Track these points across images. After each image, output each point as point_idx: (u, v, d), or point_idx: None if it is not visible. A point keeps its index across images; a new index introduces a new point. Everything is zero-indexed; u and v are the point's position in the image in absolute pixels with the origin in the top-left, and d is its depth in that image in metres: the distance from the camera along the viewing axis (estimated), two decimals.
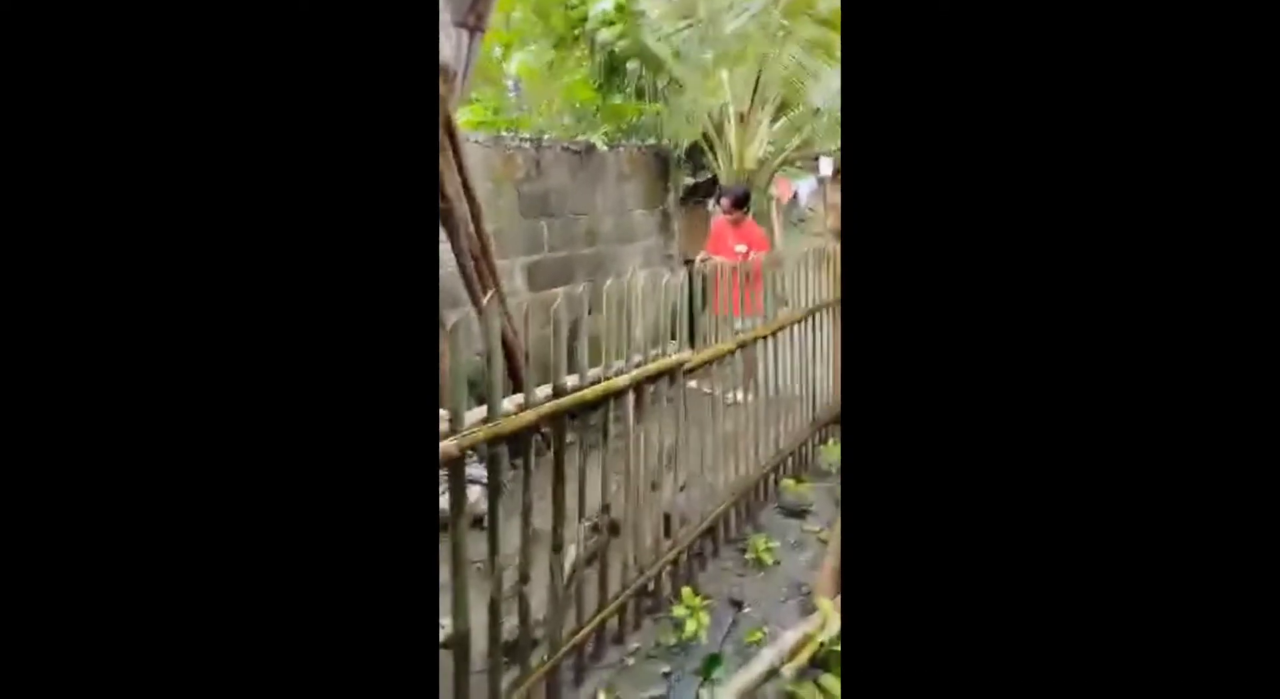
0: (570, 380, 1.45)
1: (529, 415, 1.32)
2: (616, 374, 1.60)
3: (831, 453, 2.93)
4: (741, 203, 3.66)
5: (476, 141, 3.08)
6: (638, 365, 1.69)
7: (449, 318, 2.89)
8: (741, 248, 3.53)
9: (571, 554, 1.55)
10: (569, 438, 1.48)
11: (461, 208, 2.52)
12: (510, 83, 5.82)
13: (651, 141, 4.83)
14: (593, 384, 1.51)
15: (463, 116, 4.36)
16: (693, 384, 2.11)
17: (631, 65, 5.37)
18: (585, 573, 1.59)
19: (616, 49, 5.27)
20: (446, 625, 1.80)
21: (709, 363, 2.10)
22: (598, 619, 1.60)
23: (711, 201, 3.77)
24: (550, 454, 1.46)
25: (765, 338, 2.49)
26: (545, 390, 1.40)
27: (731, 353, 2.24)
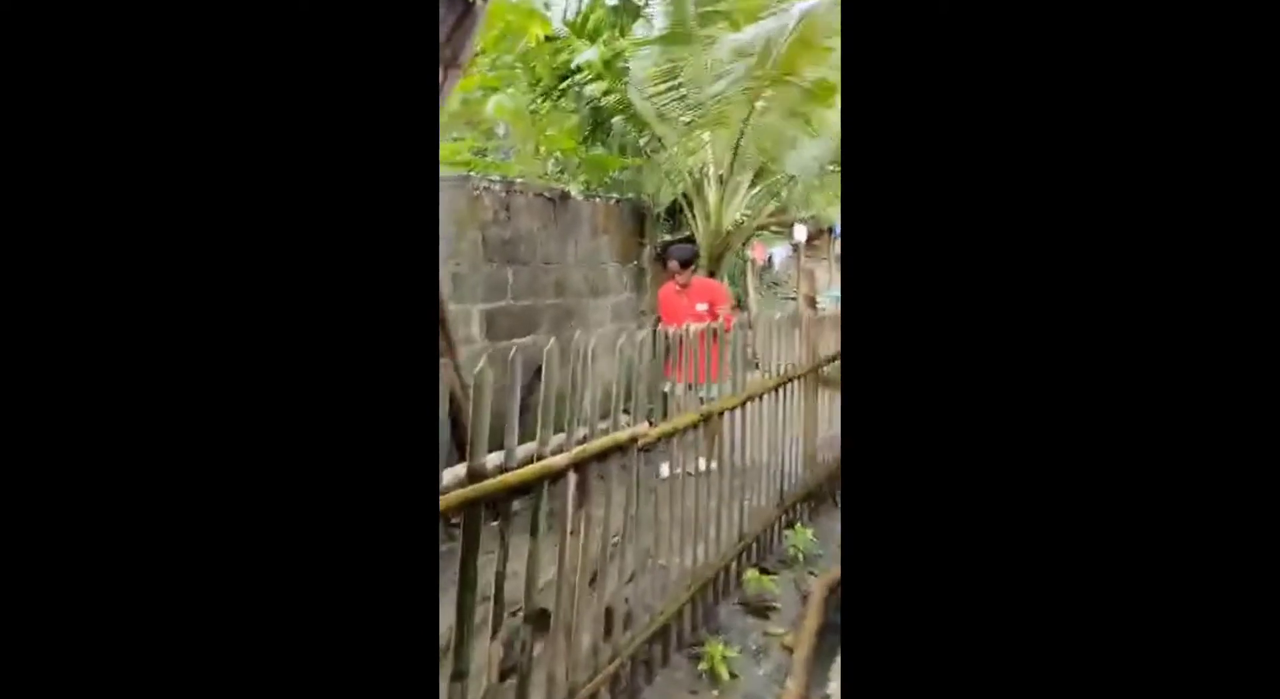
0: (492, 459, 1.20)
1: None
2: (555, 452, 1.35)
3: (799, 537, 2.67)
4: (689, 261, 3.49)
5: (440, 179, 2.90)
6: (581, 441, 1.44)
7: None
8: (703, 306, 3.29)
9: (482, 684, 1.24)
10: (493, 523, 1.22)
11: None
12: (500, 128, 5.78)
13: (630, 196, 4.75)
14: (525, 463, 1.26)
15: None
16: (663, 469, 1.87)
17: (617, 121, 5.38)
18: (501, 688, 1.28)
19: (602, 103, 5.28)
20: None
21: (669, 436, 1.86)
22: None
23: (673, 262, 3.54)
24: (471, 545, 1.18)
25: (733, 409, 2.28)
26: (459, 472, 1.14)
27: (695, 426, 2.01)
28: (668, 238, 7.50)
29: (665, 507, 1.90)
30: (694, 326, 2.25)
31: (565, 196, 3.69)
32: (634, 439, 1.63)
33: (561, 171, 5.50)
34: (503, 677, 1.35)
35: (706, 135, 5.62)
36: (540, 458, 1.31)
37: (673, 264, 3.50)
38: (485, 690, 1.24)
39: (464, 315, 3.03)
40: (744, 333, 2.45)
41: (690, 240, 7.06)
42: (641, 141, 5.47)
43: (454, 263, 2.96)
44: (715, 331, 2.28)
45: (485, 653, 1.24)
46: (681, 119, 5.51)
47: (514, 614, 1.52)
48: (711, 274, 5.86)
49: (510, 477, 1.20)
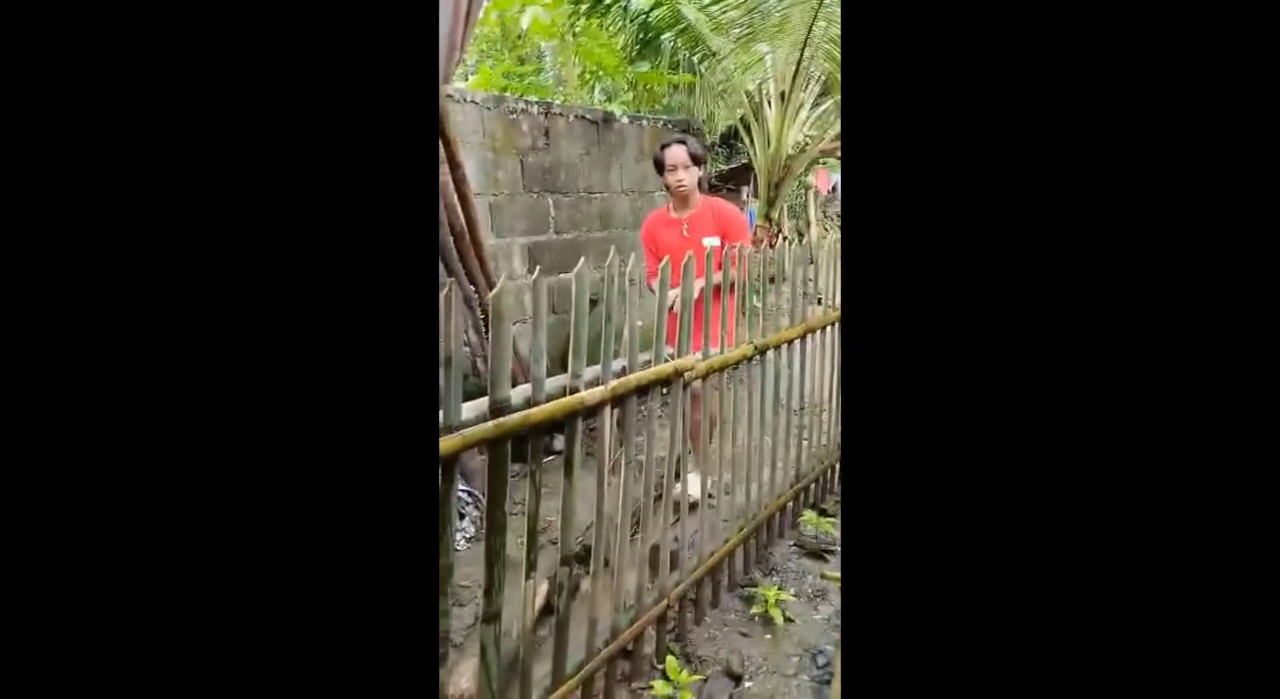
0: (519, 393, 1.08)
1: (451, 441, 0.96)
2: (589, 385, 1.23)
3: None
4: (697, 157, 2.18)
5: (473, 101, 2.72)
6: (620, 374, 1.31)
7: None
8: (713, 241, 2.10)
9: (514, 630, 1.19)
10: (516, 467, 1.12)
11: (440, 174, 2.16)
12: (546, 55, 5.47)
13: (681, 117, 4.42)
14: (551, 399, 1.14)
15: (471, 82, 4.02)
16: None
17: (666, 37, 4.98)
18: (538, 635, 1.24)
19: (650, 19, 4.87)
20: None
21: (718, 371, 1.70)
22: (555, 696, 1.24)
23: (676, 169, 2.20)
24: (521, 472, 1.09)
25: (792, 341, 2.09)
26: (481, 405, 1.03)
27: (749, 359, 1.85)
28: (723, 167, 7.05)
29: (715, 444, 1.77)
30: (695, 273, 1.60)
31: (609, 119, 3.43)
32: (679, 372, 1.48)
33: (609, 100, 5.18)
34: (541, 619, 1.29)
35: (765, 46, 5.12)
36: (573, 391, 1.19)
37: (672, 153, 2.14)
38: (520, 634, 1.18)
39: (504, 249, 2.92)
40: (805, 266, 2.21)
41: (748, 168, 6.61)
42: (694, 59, 5.06)
43: (491, 193, 2.82)
44: (731, 285, 1.63)
45: (520, 595, 1.18)
46: (735, 30, 5.03)
47: (554, 542, 1.46)
48: (770, 204, 5.47)
49: (536, 412, 1.09)
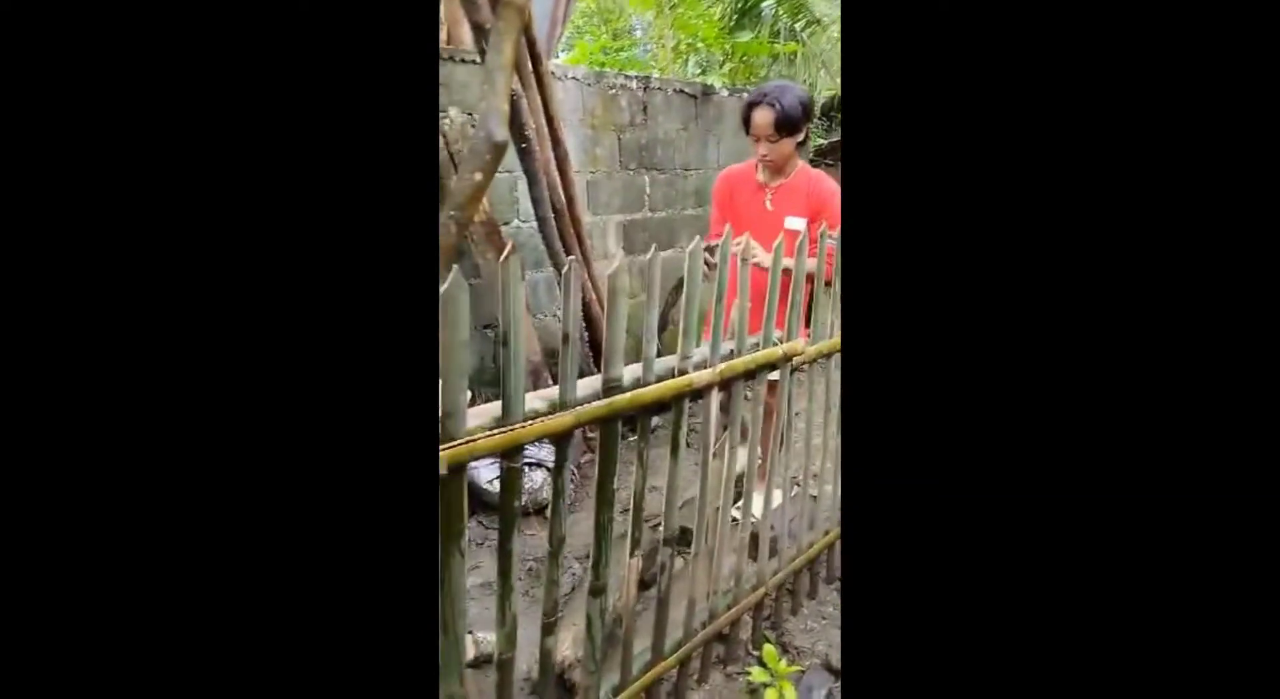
0: (629, 373, 1.07)
1: (565, 418, 0.96)
2: (698, 367, 1.20)
3: None
4: (791, 123, 1.67)
5: (574, 78, 2.72)
6: (728, 356, 1.27)
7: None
8: (797, 223, 1.70)
9: (610, 603, 1.20)
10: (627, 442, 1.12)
11: (544, 151, 2.18)
12: (636, 28, 5.40)
13: None
14: (660, 379, 1.12)
15: (566, 58, 4.03)
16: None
17: (767, 4, 4.77)
18: (636, 608, 1.25)
19: None
20: (485, 641, 1.55)
21: (827, 356, 1.62)
22: (648, 675, 1.25)
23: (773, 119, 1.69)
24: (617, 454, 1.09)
25: None
26: (594, 383, 1.03)
27: None
28: (823, 141, 6.72)
29: (821, 427, 1.70)
30: (758, 254, 1.34)
31: (708, 92, 3.33)
32: (788, 357, 1.42)
33: (703, 72, 5.04)
34: (641, 591, 1.30)
35: None
36: (682, 373, 1.17)
37: (757, 122, 1.68)
38: (622, 608, 1.19)
39: (600, 227, 2.93)
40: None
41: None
42: (797, 27, 4.81)
43: (589, 170, 2.83)
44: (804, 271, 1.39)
45: (624, 569, 1.19)
46: None
47: (654, 528, 1.47)
48: None
49: (646, 392, 1.08)
